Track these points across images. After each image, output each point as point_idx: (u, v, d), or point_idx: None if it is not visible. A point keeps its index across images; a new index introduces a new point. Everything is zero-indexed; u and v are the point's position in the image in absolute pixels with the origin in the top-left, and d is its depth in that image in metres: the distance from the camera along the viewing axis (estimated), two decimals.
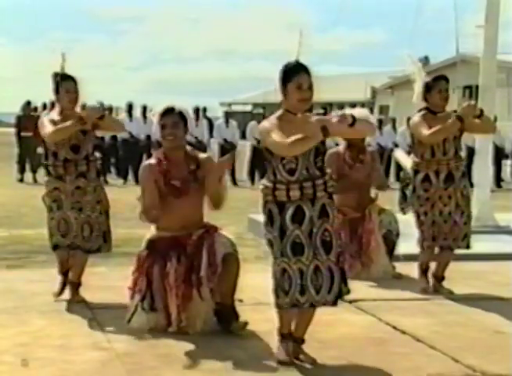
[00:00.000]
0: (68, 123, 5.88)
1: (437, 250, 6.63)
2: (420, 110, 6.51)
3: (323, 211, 4.60)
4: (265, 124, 4.59)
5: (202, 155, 5.49)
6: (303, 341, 4.74)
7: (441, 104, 6.42)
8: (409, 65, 6.66)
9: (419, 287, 6.63)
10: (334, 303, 4.66)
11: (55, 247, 6.10)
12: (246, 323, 5.24)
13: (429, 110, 6.44)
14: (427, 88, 6.43)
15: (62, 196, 6.02)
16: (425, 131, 6.32)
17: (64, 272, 6.16)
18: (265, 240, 4.65)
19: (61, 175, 6.01)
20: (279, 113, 4.63)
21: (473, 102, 6.51)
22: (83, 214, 6.01)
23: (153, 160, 5.40)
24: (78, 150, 6.03)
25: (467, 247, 6.58)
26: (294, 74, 4.53)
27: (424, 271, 6.69)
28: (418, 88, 6.50)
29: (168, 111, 5.33)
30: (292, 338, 4.72)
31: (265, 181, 4.65)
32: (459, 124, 6.24)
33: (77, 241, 6.02)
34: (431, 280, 6.67)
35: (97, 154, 6.19)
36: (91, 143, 6.10)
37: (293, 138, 4.41)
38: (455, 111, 6.50)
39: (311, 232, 4.56)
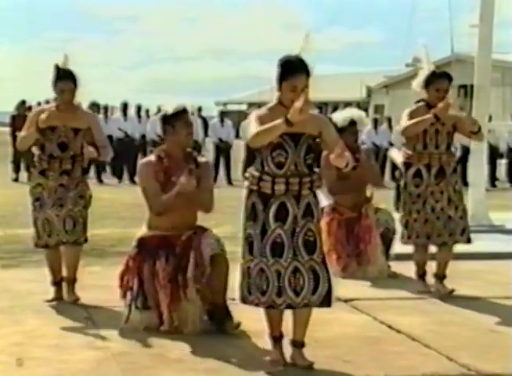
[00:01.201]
0: (28, 133, 5.88)
1: (434, 249, 6.58)
2: (418, 101, 6.48)
3: (308, 210, 4.55)
4: (251, 116, 4.55)
5: (200, 158, 5.50)
6: (303, 345, 4.65)
7: (433, 101, 6.34)
8: (422, 54, 6.62)
9: (415, 288, 6.61)
10: (323, 304, 4.55)
11: (45, 246, 6.08)
12: (239, 324, 5.25)
13: (426, 102, 6.40)
14: (427, 82, 6.39)
15: (44, 193, 5.99)
16: (402, 124, 6.35)
17: (57, 283, 6.12)
18: (244, 233, 4.57)
19: (44, 170, 5.99)
20: (271, 104, 4.56)
21: (471, 121, 6.39)
22: (64, 209, 5.98)
23: (152, 158, 5.42)
24: (66, 148, 5.99)
25: (468, 241, 6.50)
26: (291, 74, 4.45)
27: (421, 275, 6.64)
28: (421, 76, 6.45)
29: (186, 110, 5.36)
30: (291, 342, 4.64)
31: (252, 170, 4.59)
32: (433, 120, 6.22)
33: (61, 236, 6.00)
34: (433, 280, 6.59)
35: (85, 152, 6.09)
36: (80, 143, 6.03)
37: (258, 129, 4.36)
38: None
39: (293, 231, 4.51)
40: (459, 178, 6.64)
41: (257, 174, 4.55)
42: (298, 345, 4.64)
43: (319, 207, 4.63)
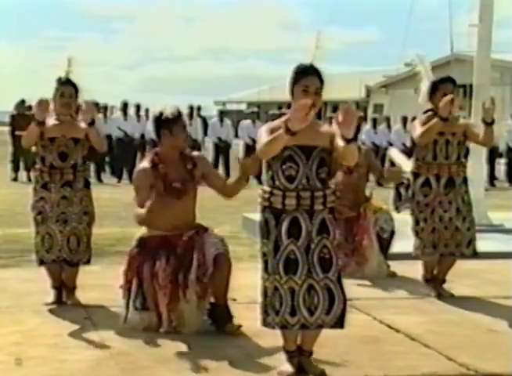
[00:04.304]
0: (29, 128, 5.84)
1: (437, 256, 6.48)
2: (425, 112, 6.39)
3: (323, 226, 4.39)
4: (263, 127, 4.43)
5: (195, 153, 5.50)
6: (311, 354, 4.55)
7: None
8: (417, 64, 6.59)
9: (416, 288, 6.58)
10: (336, 325, 4.40)
11: (41, 263, 5.98)
12: (240, 326, 5.23)
13: (434, 111, 6.29)
14: (433, 90, 6.31)
15: (47, 207, 5.90)
16: (416, 133, 6.26)
17: (57, 287, 6.06)
18: (260, 252, 4.45)
19: (46, 183, 5.91)
20: (286, 117, 4.36)
21: (491, 105, 6.25)
22: (68, 226, 5.90)
23: (147, 164, 5.33)
24: (66, 158, 5.93)
25: (474, 253, 6.45)
26: (302, 76, 4.36)
27: (428, 280, 6.57)
28: (424, 88, 6.40)
29: (181, 114, 5.35)
30: (299, 351, 4.53)
31: (263, 186, 4.48)
32: (441, 124, 6.13)
33: (64, 254, 5.91)
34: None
35: (87, 164, 6.08)
36: (81, 153, 5.99)
37: (266, 139, 4.25)
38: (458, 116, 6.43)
39: (308, 248, 4.35)
40: (468, 189, 6.51)
41: (268, 189, 4.42)
42: (306, 353, 4.54)
43: (334, 224, 4.47)
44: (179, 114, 5.33)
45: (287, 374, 4.47)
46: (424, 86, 6.43)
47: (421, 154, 6.41)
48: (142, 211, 5.05)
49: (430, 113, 6.35)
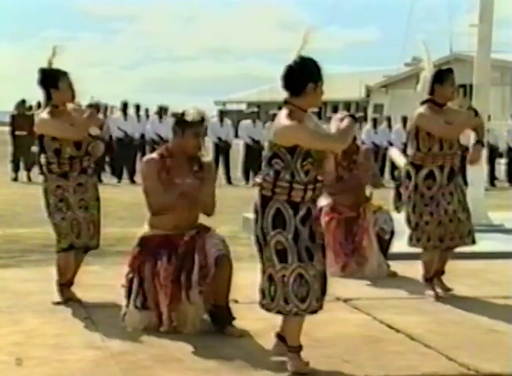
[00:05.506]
0: (86, 115, 5.88)
1: (438, 252, 6.47)
2: (423, 103, 6.33)
3: (314, 215, 4.59)
4: (284, 122, 4.41)
5: (205, 158, 5.48)
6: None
7: (451, 97, 6.26)
8: (422, 52, 6.57)
9: (416, 288, 6.59)
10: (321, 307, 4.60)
11: (70, 248, 5.93)
12: (242, 334, 5.19)
13: (434, 102, 6.27)
14: (439, 79, 6.25)
15: (66, 194, 5.93)
16: (445, 127, 6.18)
17: (65, 283, 6.01)
18: (273, 241, 4.45)
19: (66, 172, 5.92)
20: (287, 111, 4.45)
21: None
22: (89, 212, 5.98)
23: (154, 155, 5.36)
24: (80, 145, 5.96)
25: (473, 242, 6.46)
26: (322, 73, 4.48)
27: (428, 279, 6.52)
28: (425, 77, 6.37)
29: (203, 120, 5.31)
30: (279, 337, 4.63)
31: (278, 181, 4.45)
32: (475, 119, 6.18)
33: (88, 241, 6.00)
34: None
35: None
36: (87, 139, 6.03)
37: (337, 130, 4.47)
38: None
39: (312, 235, 4.51)
40: (461, 179, 6.54)
41: (286, 185, 4.45)
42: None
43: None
44: (196, 121, 5.28)
45: (307, 372, 4.51)
46: (425, 76, 6.38)
47: (427, 145, 6.29)
48: (164, 196, 5.15)
49: (430, 103, 6.28)
